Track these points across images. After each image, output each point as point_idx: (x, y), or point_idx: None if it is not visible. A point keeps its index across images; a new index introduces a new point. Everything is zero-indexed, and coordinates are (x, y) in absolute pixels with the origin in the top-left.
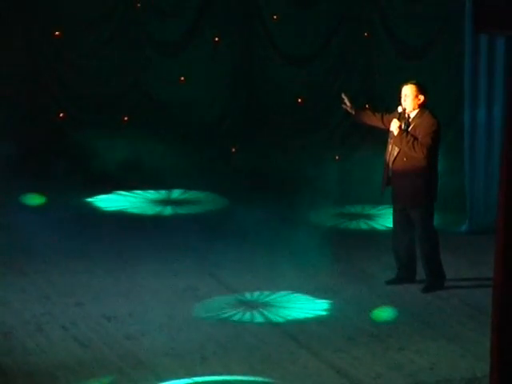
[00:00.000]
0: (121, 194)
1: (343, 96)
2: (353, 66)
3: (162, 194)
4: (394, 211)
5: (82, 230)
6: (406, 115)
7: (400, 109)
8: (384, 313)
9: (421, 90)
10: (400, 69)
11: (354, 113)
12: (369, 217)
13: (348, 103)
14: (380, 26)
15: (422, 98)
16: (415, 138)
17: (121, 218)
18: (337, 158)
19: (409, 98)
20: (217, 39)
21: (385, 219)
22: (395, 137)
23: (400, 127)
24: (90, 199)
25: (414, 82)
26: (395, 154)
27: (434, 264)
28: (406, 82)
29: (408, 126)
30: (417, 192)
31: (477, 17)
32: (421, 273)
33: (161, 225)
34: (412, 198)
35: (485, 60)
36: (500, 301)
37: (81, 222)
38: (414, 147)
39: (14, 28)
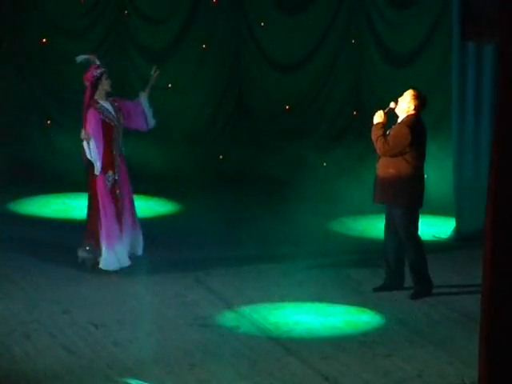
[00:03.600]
0: None
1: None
2: (340, 73)
3: (148, 200)
4: (385, 215)
5: (69, 237)
6: (396, 116)
7: (392, 104)
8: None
9: (415, 100)
10: (387, 76)
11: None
12: (358, 223)
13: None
14: (368, 33)
15: (411, 106)
16: (384, 134)
17: None
18: (324, 164)
19: (403, 101)
20: (204, 46)
21: (373, 226)
22: (372, 126)
23: (382, 121)
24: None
25: (416, 91)
26: None
27: (420, 271)
28: (413, 88)
29: (389, 125)
30: (394, 192)
31: (464, 24)
32: (409, 279)
33: (147, 232)
34: (389, 199)
35: (472, 67)
36: (488, 307)
37: (70, 229)
38: (377, 141)
39: (1, 35)
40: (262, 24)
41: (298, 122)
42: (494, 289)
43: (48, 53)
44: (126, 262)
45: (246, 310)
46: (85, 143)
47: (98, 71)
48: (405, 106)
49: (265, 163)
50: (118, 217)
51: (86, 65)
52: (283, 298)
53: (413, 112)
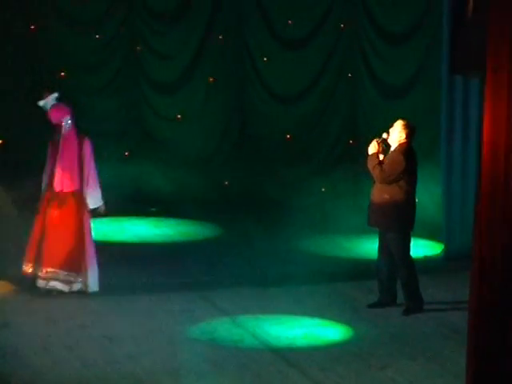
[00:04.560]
0: (119, 223)
1: (379, 141)
2: (337, 104)
3: (158, 222)
4: (379, 237)
5: None
6: (388, 145)
7: (385, 135)
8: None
9: (405, 129)
10: (381, 107)
11: (381, 157)
12: (353, 245)
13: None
14: (363, 67)
15: (403, 135)
16: (380, 163)
17: (119, 246)
18: (323, 189)
19: (394, 131)
20: (211, 79)
21: (367, 246)
22: (368, 156)
23: (377, 151)
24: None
25: (406, 120)
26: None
27: (411, 289)
28: (403, 118)
29: (383, 154)
30: (387, 216)
31: (452, 59)
32: (401, 297)
33: (158, 252)
34: (383, 222)
35: (460, 99)
36: (475, 323)
37: None
38: (373, 170)
39: (23, 69)
40: (265, 59)
41: (298, 150)
42: (480, 306)
43: (66, 85)
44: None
45: (250, 324)
46: (97, 196)
47: (68, 105)
48: (396, 135)
49: (267, 188)
50: None
51: (50, 105)
52: (284, 313)
53: (404, 140)
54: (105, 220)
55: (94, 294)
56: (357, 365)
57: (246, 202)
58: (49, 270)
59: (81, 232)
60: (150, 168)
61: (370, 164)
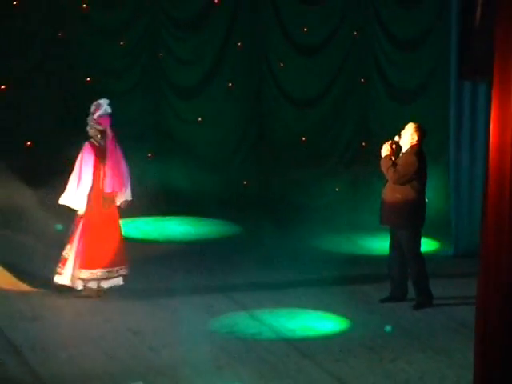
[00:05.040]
0: (144, 222)
1: (391, 144)
2: (350, 108)
3: (181, 221)
4: (390, 234)
5: None
6: (400, 147)
7: (396, 138)
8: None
9: (417, 132)
10: (392, 111)
11: (393, 159)
12: (365, 242)
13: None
14: (375, 73)
15: (415, 138)
16: (393, 164)
17: (144, 244)
18: (337, 189)
19: (406, 134)
20: (230, 84)
21: (379, 244)
22: (381, 159)
23: (390, 153)
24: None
25: (417, 123)
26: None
27: (421, 284)
28: (414, 121)
29: (395, 156)
30: (399, 215)
31: (461, 65)
32: (412, 292)
33: (180, 250)
34: (395, 220)
35: (468, 103)
36: (482, 317)
37: None
38: (388, 171)
39: (51, 74)
40: (281, 64)
41: (312, 152)
42: (487, 301)
43: (91, 90)
44: None
45: (267, 318)
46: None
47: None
48: (408, 137)
49: (283, 188)
50: None
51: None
52: (300, 308)
53: (416, 142)
54: (128, 219)
55: (116, 289)
56: (369, 357)
57: (264, 202)
58: (106, 270)
59: (121, 228)
60: (172, 168)
61: (384, 166)
